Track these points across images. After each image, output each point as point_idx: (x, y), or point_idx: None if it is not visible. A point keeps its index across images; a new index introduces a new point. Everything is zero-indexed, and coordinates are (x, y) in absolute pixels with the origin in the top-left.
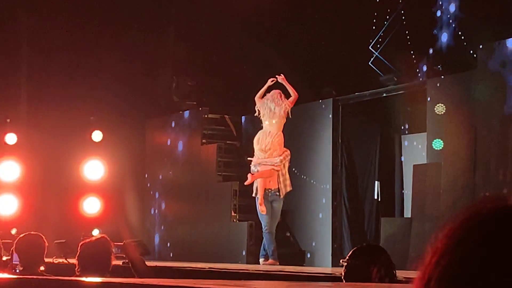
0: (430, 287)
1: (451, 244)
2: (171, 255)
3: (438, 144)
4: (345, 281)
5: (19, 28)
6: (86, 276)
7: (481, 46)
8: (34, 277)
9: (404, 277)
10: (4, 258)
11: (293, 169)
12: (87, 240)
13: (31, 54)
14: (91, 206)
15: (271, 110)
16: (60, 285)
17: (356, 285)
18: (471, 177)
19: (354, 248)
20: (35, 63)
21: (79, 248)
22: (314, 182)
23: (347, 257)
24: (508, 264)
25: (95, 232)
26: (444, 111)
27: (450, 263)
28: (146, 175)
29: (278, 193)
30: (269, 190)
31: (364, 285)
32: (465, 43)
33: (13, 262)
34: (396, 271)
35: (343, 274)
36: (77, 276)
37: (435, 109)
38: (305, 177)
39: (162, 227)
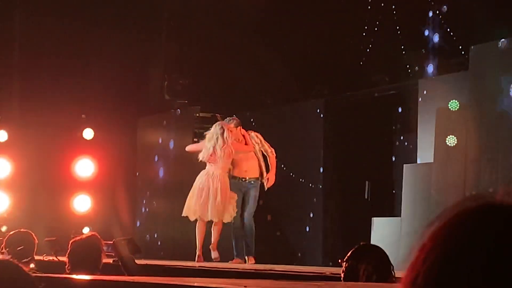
0: (417, 283)
1: (437, 241)
2: (162, 253)
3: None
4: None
5: (10, 26)
6: (76, 274)
7: (472, 47)
8: None
9: (395, 277)
10: None
11: (284, 168)
12: (78, 238)
13: (22, 51)
14: (82, 204)
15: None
16: (50, 283)
17: (347, 285)
18: (462, 177)
19: (353, 249)
20: (26, 60)
21: (69, 245)
22: (305, 182)
23: (346, 258)
24: (491, 260)
25: (86, 230)
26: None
27: (436, 260)
28: (137, 174)
29: (254, 182)
30: (243, 179)
31: (354, 284)
32: (456, 44)
33: None
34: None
35: (342, 275)
36: (67, 273)
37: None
38: (296, 176)
39: (153, 226)
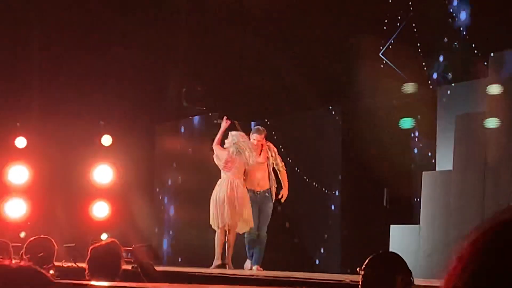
0: None
1: (476, 253)
2: (180, 260)
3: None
4: None
5: (31, 34)
6: (96, 280)
7: (492, 54)
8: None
9: (414, 285)
10: (13, 262)
11: (302, 175)
12: (97, 244)
13: (42, 59)
14: (100, 210)
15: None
16: None
17: None
18: (481, 184)
19: (371, 257)
20: (46, 67)
21: (89, 252)
22: (323, 189)
23: (364, 266)
24: None
25: (104, 236)
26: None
27: (475, 272)
28: (155, 180)
29: (268, 194)
30: (258, 192)
31: None
32: (476, 51)
33: None
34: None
35: (360, 282)
36: (87, 280)
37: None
38: (314, 183)
39: (171, 232)
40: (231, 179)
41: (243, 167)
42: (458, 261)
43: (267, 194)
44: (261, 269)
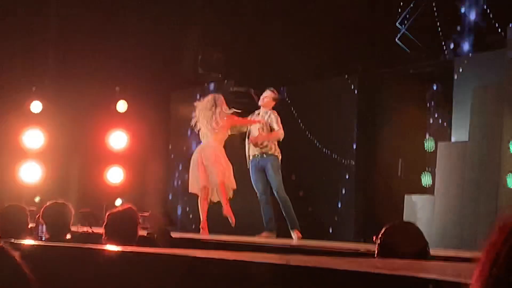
0: (498, 263)
1: None
2: (193, 226)
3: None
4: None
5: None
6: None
7: (510, 25)
8: (65, 244)
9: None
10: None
11: (317, 143)
12: (115, 210)
13: (58, 23)
14: (115, 176)
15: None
16: (89, 254)
17: (386, 262)
18: (497, 155)
19: (388, 226)
20: (62, 32)
21: (106, 217)
22: (338, 158)
23: (381, 235)
24: None
25: (118, 202)
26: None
27: None
28: (170, 146)
29: (266, 155)
30: (256, 156)
31: (398, 261)
32: (493, 22)
33: (39, 230)
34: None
35: (376, 251)
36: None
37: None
38: (328, 152)
39: (185, 199)
40: (205, 144)
41: (212, 129)
42: (500, 231)
43: (265, 156)
44: (299, 234)
